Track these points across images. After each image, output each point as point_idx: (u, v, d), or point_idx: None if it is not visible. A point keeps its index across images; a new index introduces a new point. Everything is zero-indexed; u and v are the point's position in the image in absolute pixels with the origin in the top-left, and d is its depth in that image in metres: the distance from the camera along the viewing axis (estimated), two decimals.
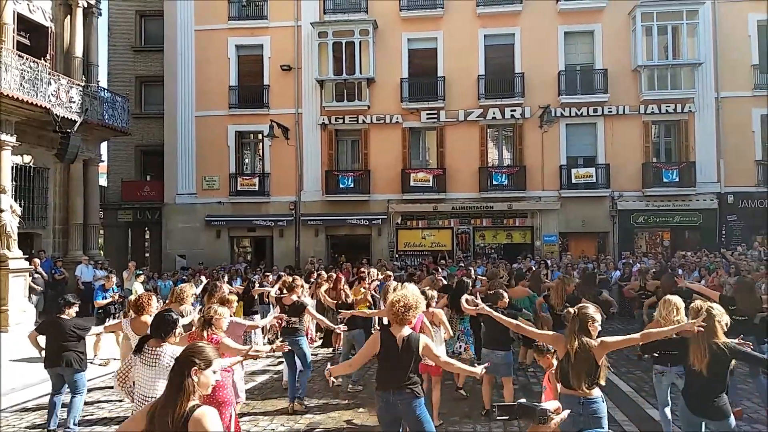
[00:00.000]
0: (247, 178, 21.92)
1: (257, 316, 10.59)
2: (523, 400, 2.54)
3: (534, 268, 12.52)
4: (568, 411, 2.39)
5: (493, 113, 20.83)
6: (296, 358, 7.61)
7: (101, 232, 22.67)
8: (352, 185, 21.26)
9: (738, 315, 6.94)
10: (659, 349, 5.58)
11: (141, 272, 14.49)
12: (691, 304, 5.08)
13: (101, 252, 21.58)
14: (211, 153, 21.81)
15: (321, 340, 12.03)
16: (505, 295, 7.30)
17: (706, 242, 19.49)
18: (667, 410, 5.97)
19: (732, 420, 4.63)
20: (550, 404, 2.47)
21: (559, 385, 4.47)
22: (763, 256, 15.84)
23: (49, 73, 15.84)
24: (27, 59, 14.96)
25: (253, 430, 6.90)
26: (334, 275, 10.97)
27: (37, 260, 15.84)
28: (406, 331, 4.49)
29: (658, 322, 5.30)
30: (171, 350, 4.43)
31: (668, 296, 5.51)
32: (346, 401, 8.00)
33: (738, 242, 19.27)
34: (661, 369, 5.92)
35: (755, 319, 7.22)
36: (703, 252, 17.47)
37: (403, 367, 4.40)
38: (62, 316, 6.85)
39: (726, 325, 4.68)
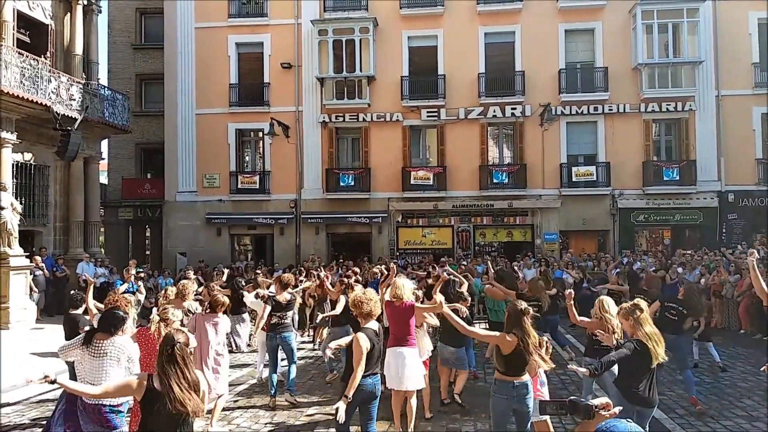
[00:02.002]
0: (248, 176, 21.92)
1: (246, 316, 10.57)
2: (573, 397, 2.61)
3: (516, 269, 12.53)
4: (620, 408, 2.52)
5: (494, 111, 20.82)
6: (282, 353, 7.84)
7: (102, 229, 22.68)
8: (352, 183, 21.25)
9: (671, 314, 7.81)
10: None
11: (141, 270, 14.50)
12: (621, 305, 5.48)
13: (102, 250, 21.60)
14: (211, 151, 21.81)
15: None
16: (468, 297, 7.82)
17: (706, 241, 19.49)
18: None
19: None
20: (598, 400, 2.52)
21: (495, 372, 4.97)
22: (763, 254, 15.82)
23: (50, 71, 15.82)
24: (27, 57, 14.95)
25: (254, 426, 6.92)
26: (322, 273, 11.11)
27: (38, 258, 15.86)
28: (374, 324, 5.13)
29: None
30: (119, 342, 4.90)
31: (602, 297, 6.07)
32: None
33: (738, 241, 19.27)
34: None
35: (685, 324, 7.77)
36: (703, 250, 17.48)
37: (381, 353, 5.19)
38: (72, 311, 6.88)
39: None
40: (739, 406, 7.38)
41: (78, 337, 5.14)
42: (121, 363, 4.89)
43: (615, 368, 5.12)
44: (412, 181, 20.87)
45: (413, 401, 6.10)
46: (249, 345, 10.62)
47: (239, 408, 7.67)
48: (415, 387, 6.01)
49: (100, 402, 4.65)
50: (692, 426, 6.67)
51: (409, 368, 5.91)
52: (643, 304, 5.14)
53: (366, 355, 4.80)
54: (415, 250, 21.31)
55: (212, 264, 18.93)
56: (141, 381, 3.61)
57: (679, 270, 14.85)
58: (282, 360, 8.02)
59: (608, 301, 5.77)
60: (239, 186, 21.72)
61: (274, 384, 7.75)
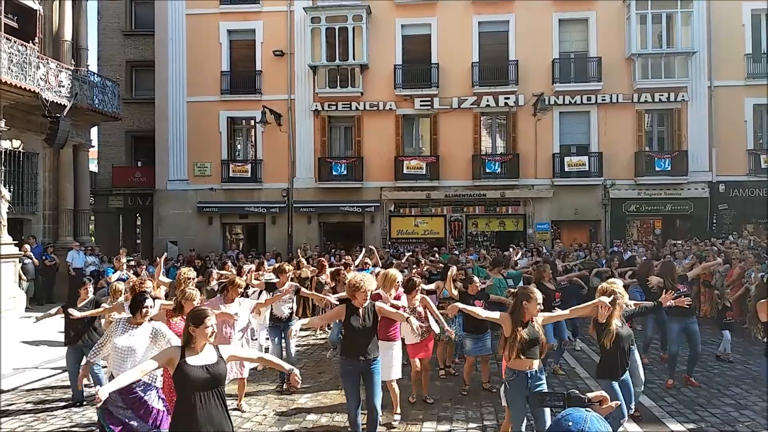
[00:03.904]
0: (240, 164, 21.79)
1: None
2: (572, 390, 2.64)
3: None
4: (618, 402, 2.54)
5: (487, 101, 20.77)
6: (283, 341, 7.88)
7: (92, 218, 22.51)
8: (345, 172, 21.17)
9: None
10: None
11: (131, 258, 14.42)
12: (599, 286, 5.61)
13: (92, 238, 21.46)
14: (202, 139, 21.64)
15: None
16: (476, 280, 7.82)
17: (697, 231, 19.61)
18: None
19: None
20: (594, 394, 2.52)
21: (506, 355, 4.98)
22: (752, 244, 15.95)
23: (38, 57, 15.61)
24: (15, 42, 14.73)
25: (245, 415, 6.91)
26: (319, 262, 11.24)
27: (27, 246, 15.73)
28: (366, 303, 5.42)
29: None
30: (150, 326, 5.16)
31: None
32: (339, 388, 8.02)
33: (729, 231, 19.42)
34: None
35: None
36: (693, 240, 17.59)
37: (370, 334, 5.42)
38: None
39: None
40: (728, 394, 7.43)
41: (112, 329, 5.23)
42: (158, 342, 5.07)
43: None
44: (405, 171, 20.83)
45: (395, 386, 6.44)
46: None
47: (230, 396, 7.64)
48: (396, 376, 6.43)
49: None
50: (681, 414, 6.72)
51: (395, 359, 6.38)
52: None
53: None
54: (407, 240, 21.30)
55: (203, 253, 18.84)
56: (173, 354, 3.81)
57: (671, 259, 14.95)
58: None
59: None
60: (231, 175, 21.59)
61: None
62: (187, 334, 3.83)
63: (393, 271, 6.87)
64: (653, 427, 6.27)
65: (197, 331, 3.78)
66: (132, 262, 13.29)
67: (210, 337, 3.82)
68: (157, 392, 5.07)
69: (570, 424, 1.78)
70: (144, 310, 5.12)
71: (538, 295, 4.97)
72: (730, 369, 8.73)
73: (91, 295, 7.44)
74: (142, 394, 4.89)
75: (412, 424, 6.48)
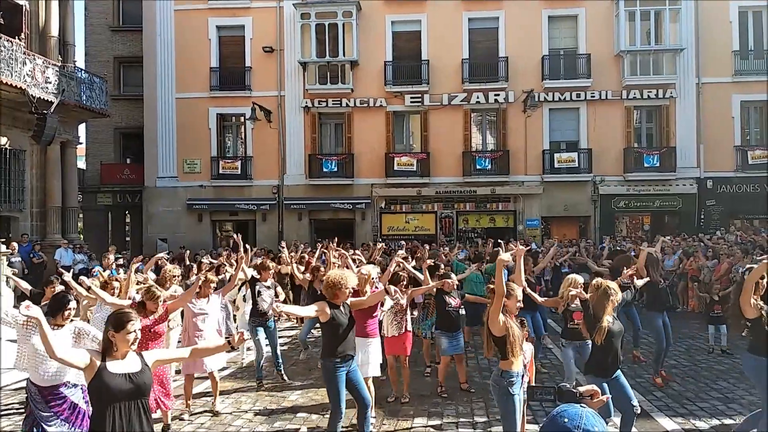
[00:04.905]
0: (229, 161, 21.69)
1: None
2: (563, 384, 2.63)
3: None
4: (608, 396, 2.53)
5: (477, 97, 20.79)
6: (265, 338, 7.93)
7: (80, 215, 22.33)
8: (335, 169, 21.14)
9: None
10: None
11: (120, 256, 14.31)
12: (592, 281, 5.55)
13: (80, 236, 21.26)
14: (192, 136, 21.50)
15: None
16: (453, 277, 7.69)
17: (685, 226, 19.77)
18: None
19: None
20: (584, 388, 2.53)
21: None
22: (739, 240, 16.10)
23: (24, 53, 15.43)
24: (1, 38, 14.54)
25: (236, 412, 6.90)
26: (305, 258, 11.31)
27: (14, 244, 15.55)
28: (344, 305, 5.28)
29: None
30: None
31: (571, 275, 6.36)
32: None
33: (716, 226, 19.60)
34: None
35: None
36: (682, 236, 17.72)
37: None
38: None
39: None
40: (715, 388, 7.52)
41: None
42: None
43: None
44: (396, 167, 20.83)
45: (371, 383, 6.40)
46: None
47: (221, 393, 7.63)
48: (374, 373, 6.44)
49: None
50: (669, 408, 6.78)
51: (372, 356, 6.38)
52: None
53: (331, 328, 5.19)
54: (398, 236, 21.29)
55: (194, 250, 18.72)
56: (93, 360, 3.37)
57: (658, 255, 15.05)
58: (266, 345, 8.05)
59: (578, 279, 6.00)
60: (221, 171, 21.48)
61: (259, 368, 7.95)
62: (106, 338, 3.45)
63: (367, 268, 6.73)
64: (642, 422, 6.31)
65: (117, 337, 3.40)
66: (121, 260, 13.18)
67: (132, 344, 3.45)
68: (83, 392, 4.72)
69: (566, 420, 1.78)
70: (66, 313, 4.78)
71: (519, 292, 4.91)
72: (717, 363, 8.82)
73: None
74: (68, 395, 4.65)
75: (403, 420, 6.50)
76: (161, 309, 5.83)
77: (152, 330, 5.70)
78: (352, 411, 6.78)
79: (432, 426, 6.34)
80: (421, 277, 7.45)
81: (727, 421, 6.26)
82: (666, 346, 7.89)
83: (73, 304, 4.92)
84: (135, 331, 3.46)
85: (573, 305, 6.13)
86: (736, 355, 9.12)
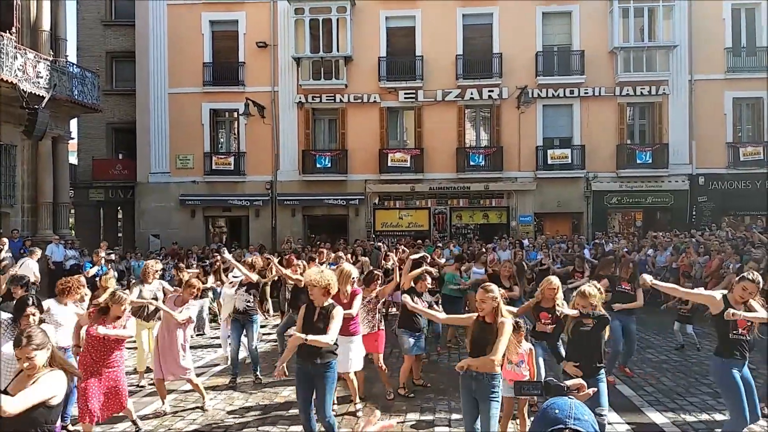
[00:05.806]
0: (222, 157, 21.61)
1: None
2: (550, 378, 2.65)
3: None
4: (594, 389, 2.60)
5: (471, 93, 20.80)
6: (245, 335, 7.95)
7: (72, 211, 22.19)
8: (329, 165, 21.11)
9: None
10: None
11: (112, 252, 14.26)
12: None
13: (72, 231, 21.16)
14: (184, 131, 21.40)
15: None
16: (428, 279, 7.71)
17: (677, 223, 19.86)
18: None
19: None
20: (572, 382, 2.54)
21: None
22: (730, 236, 16.21)
23: (15, 47, 15.29)
24: None
25: (228, 408, 6.90)
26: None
27: (5, 240, 15.44)
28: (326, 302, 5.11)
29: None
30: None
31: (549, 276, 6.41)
32: None
33: (708, 223, 19.73)
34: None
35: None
36: (673, 232, 17.83)
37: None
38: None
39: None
40: (705, 383, 7.57)
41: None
42: None
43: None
44: (389, 163, 20.81)
45: (353, 377, 6.59)
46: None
47: (213, 390, 7.63)
48: (355, 368, 6.56)
49: None
50: (660, 403, 6.83)
51: (354, 353, 6.48)
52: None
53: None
54: (391, 233, 21.31)
55: (186, 246, 18.70)
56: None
57: (650, 252, 15.17)
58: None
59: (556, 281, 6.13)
60: (213, 167, 21.40)
61: (235, 365, 7.97)
62: None
63: (347, 267, 6.63)
64: (633, 417, 6.37)
65: None
66: (112, 256, 13.13)
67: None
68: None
69: (557, 411, 1.81)
70: (28, 318, 4.69)
71: (496, 292, 4.61)
72: (707, 358, 8.86)
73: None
74: None
75: (396, 415, 6.51)
76: (126, 316, 5.64)
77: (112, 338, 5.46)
78: (342, 406, 6.85)
79: (424, 420, 6.36)
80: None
81: (717, 416, 6.32)
82: (624, 352, 7.84)
83: (32, 309, 4.83)
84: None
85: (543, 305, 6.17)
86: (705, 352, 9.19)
